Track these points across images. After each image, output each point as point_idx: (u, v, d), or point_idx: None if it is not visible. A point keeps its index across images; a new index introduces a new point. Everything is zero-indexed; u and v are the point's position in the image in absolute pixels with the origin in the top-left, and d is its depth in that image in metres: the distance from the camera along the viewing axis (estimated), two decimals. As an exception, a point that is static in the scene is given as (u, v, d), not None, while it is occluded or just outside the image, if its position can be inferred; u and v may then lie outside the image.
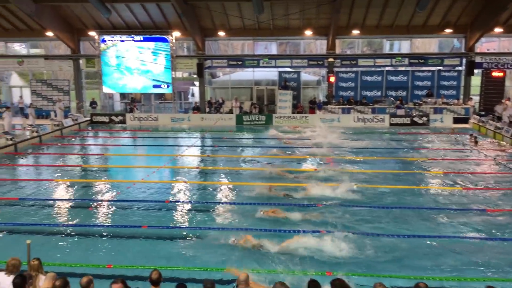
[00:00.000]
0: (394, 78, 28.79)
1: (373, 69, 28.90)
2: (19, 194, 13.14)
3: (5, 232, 10.20)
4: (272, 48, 30.17)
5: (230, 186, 13.75)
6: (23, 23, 28.69)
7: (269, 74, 30.18)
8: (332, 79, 28.65)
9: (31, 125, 22.41)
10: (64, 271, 7.69)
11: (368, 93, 28.70)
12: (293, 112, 27.86)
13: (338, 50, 29.13)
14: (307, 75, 30.94)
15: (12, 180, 14.97)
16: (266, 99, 29.99)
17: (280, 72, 29.40)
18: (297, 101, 28.97)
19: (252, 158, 17.97)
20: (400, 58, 28.56)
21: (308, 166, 16.49)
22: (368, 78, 28.85)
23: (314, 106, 28.19)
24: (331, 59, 28.52)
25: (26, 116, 25.66)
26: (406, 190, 13.33)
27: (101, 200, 12.53)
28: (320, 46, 29.80)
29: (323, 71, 30.06)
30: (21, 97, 31.31)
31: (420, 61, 28.53)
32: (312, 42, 30.08)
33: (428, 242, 9.55)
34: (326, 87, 29.66)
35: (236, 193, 13.05)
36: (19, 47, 33.39)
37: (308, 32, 27.91)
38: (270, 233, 9.81)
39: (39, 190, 13.71)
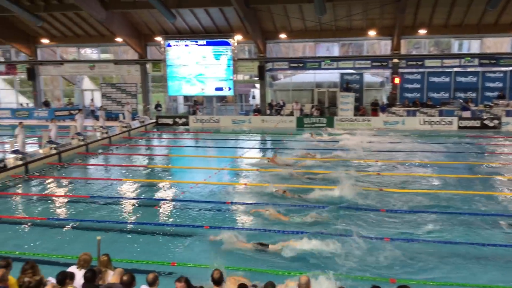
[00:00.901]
0: (463, 79, 27.49)
1: (440, 70, 27.75)
2: (90, 192, 13.81)
3: (77, 228, 10.75)
4: (334, 49, 29.79)
5: (290, 188, 13.66)
6: (94, 29, 30.22)
7: (330, 76, 29.81)
8: (397, 80, 27.83)
9: (101, 127, 23.49)
10: (131, 267, 7.97)
11: (435, 95, 27.60)
12: (355, 115, 27.34)
13: (403, 51, 28.25)
14: (370, 77, 30.25)
15: (83, 179, 15.78)
16: (327, 101, 29.64)
17: (342, 74, 28.96)
18: (359, 103, 28.40)
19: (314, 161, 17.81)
20: (469, 58, 27.25)
21: (366, 170, 16.11)
22: (435, 79, 27.73)
23: (377, 108, 27.53)
24: (395, 60, 27.72)
25: (96, 118, 26.97)
26: (474, 196, 12.69)
27: (166, 200, 12.89)
28: (384, 46, 29.06)
29: (387, 73, 29.27)
30: (92, 100, 32.98)
31: (491, 61, 27.07)
32: (375, 43, 29.41)
33: (496, 251, 9.07)
34: (390, 89, 28.85)
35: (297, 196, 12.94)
36: (90, 53, 35.24)
37: (372, 33, 27.28)
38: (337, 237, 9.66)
39: (108, 188, 14.34)
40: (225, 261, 8.13)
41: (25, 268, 5.97)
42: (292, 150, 19.48)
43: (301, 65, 29.21)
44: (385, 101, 28.47)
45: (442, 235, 9.89)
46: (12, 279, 5.91)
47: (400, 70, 27.99)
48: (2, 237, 10.31)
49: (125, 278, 5.69)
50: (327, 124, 26.52)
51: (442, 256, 8.82)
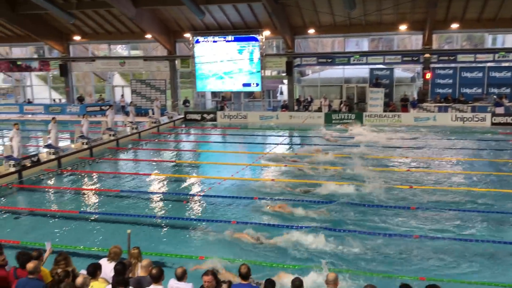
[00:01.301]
0: (497, 74, 26.66)
1: (473, 65, 26.98)
2: (121, 186, 14.06)
3: (107, 221, 10.96)
4: (364, 44, 29.37)
5: (321, 184, 13.58)
6: (125, 26, 30.67)
7: (360, 71, 29.41)
8: (428, 75, 27.25)
9: (131, 122, 23.84)
10: (159, 260, 8.09)
11: (467, 91, 26.87)
12: (384, 111, 26.95)
13: (435, 45, 27.63)
14: (400, 72, 29.74)
15: (114, 173, 16.08)
16: (356, 97, 29.30)
17: (371, 69, 28.54)
18: (389, 99, 27.96)
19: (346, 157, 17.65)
20: (503, 53, 26.40)
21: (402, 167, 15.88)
22: (468, 75, 27.01)
23: (406, 104, 27.08)
24: (427, 55, 27.11)
25: (127, 113, 27.39)
26: (507, 194, 12.35)
27: (194, 195, 13.00)
28: (415, 41, 28.50)
29: (418, 68, 28.71)
30: (122, 96, 33.51)
31: (527, 56, 26.20)
32: (406, 38, 28.86)
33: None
34: (421, 84, 28.28)
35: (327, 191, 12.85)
36: (121, 49, 35.82)
37: (403, 27, 26.76)
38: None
39: (138, 183, 14.57)
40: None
41: (58, 259, 6.11)
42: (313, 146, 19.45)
43: (329, 60, 28.93)
44: (415, 96, 27.95)
45: (472, 233, 9.70)
46: (44, 270, 6.06)
47: (432, 65, 27.38)
48: (34, 229, 10.61)
49: (154, 271, 5.74)
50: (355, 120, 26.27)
51: (472, 254, 8.63)
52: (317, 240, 9.13)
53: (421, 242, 9.18)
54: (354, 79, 29.62)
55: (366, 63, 28.39)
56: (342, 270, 7.88)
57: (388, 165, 16.21)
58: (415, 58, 27.62)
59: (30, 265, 5.66)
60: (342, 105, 28.10)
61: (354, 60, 28.26)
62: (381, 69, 28.62)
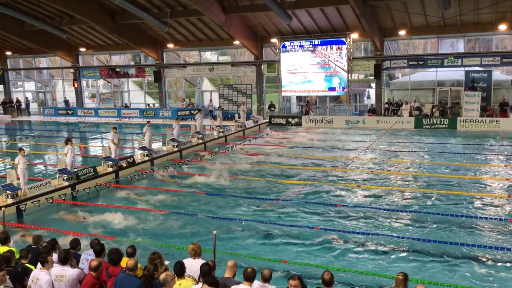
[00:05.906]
0: None
1: None
2: (207, 189, 14.48)
3: (195, 221, 11.33)
4: (459, 45, 27.78)
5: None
6: (214, 33, 31.70)
7: (453, 74, 27.87)
8: (531, 78, 25.15)
9: (218, 126, 24.55)
10: (246, 263, 8.20)
11: None
12: (481, 115, 25.26)
13: (539, 45, 25.47)
14: (499, 74, 27.73)
15: (202, 175, 16.56)
16: (449, 101, 27.77)
17: (467, 72, 26.89)
18: (486, 103, 26.16)
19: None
20: None
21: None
22: None
23: (506, 108, 25.15)
24: (530, 56, 25.05)
25: (214, 117, 28.23)
26: None
27: (276, 199, 12.98)
28: (516, 41, 26.45)
29: (520, 70, 26.59)
30: (210, 100, 34.66)
31: None
32: (507, 38, 26.83)
33: None
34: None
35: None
36: (210, 55, 37.08)
37: (502, 27, 24.93)
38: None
39: (222, 185, 14.88)
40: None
41: (152, 258, 6.31)
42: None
43: (421, 63, 27.70)
44: (516, 100, 25.93)
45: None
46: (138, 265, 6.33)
47: (536, 67, 25.26)
48: (127, 227, 11.20)
49: (249, 270, 5.80)
50: (448, 126, 24.94)
51: None
52: (121, 218, 11.43)
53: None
54: (448, 82, 28.14)
55: (462, 65, 26.84)
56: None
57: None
58: (516, 60, 25.62)
59: (131, 262, 5.93)
60: (434, 109, 26.79)
61: (448, 62, 26.84)
62: (478, 72, 26.87)
